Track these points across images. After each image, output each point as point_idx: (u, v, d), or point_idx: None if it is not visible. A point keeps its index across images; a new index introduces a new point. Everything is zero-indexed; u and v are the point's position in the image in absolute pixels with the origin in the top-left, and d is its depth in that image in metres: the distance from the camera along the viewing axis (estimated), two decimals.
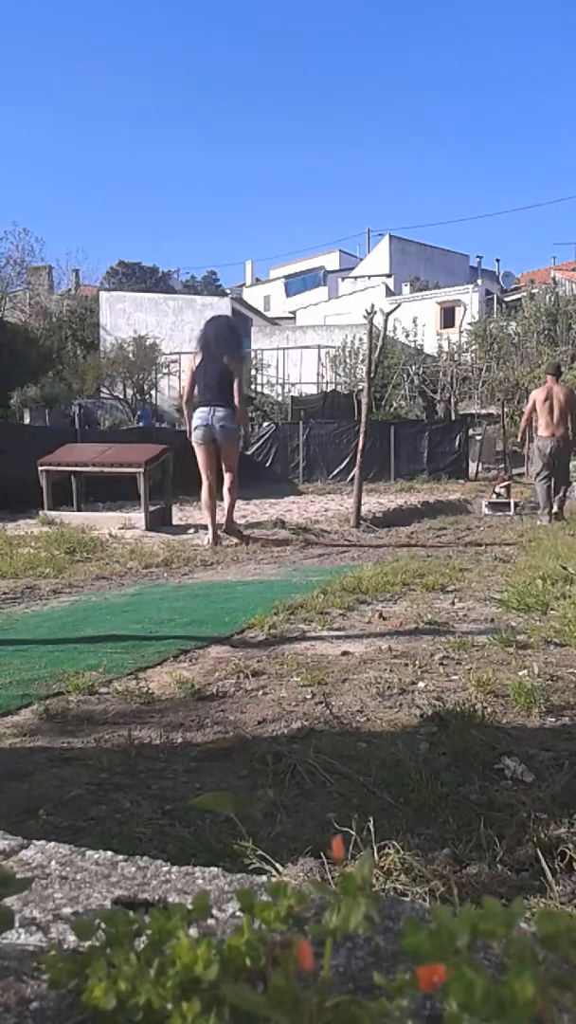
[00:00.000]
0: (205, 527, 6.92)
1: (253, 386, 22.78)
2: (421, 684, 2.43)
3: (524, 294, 24.36)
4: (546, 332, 19.84)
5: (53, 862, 0.93)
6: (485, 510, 10.32)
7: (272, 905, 0.61)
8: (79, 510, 8.48)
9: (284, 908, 0.61)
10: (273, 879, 1.13)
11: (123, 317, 26.27)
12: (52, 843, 0.99)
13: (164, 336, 24.11)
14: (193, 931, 0.62)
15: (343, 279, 37.02)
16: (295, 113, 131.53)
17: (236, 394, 6.55)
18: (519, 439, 9.09)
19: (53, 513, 7.95)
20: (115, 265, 47.05)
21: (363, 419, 8.89)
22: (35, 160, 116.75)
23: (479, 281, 31.43)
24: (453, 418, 19.33)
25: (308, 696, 2.34)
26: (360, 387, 15.95)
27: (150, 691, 2.41)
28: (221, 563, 5.72)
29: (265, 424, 17.93)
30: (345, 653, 2.87)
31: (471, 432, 17.45)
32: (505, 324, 21.80)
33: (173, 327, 25.85)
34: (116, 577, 5.08)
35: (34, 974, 0.67)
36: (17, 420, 18.44)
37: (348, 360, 22.70)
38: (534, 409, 8.74)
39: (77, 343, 26.91)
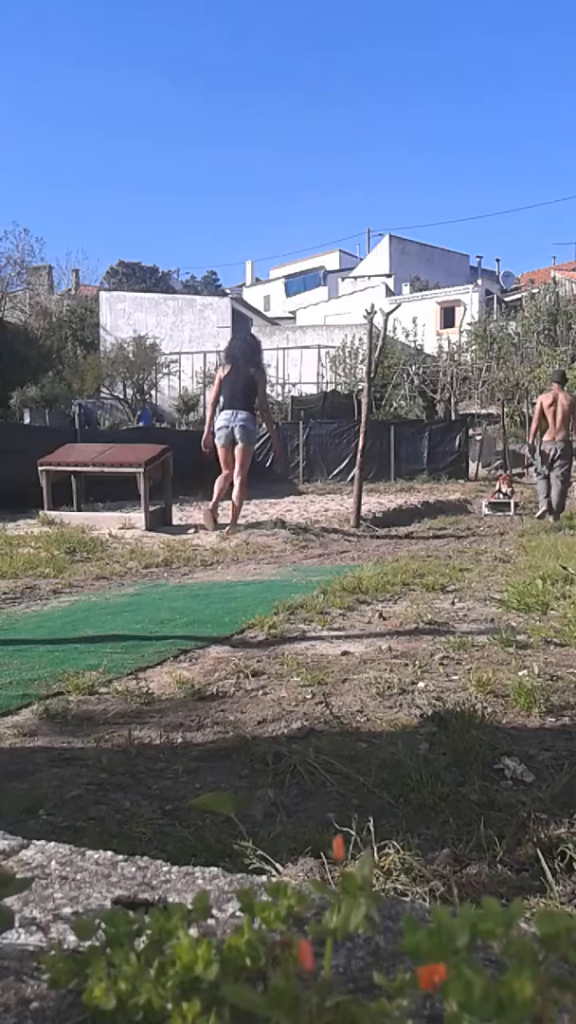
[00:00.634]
0: (205, 527, 7.24)
1: None
2: (421, 684, 2.43)
3: (524, 294, 24.41)
4: (546, 332, 19.85)
5: (53, 862, 0.93)
6: (485, 510, 10.34)
7: (272, 905, 0.61)
8: (79, 510, 8.48)
9: (284, 908, 0.61)
10: (273, 879, 1.12)
11: (123, 317, 26.27)
12: (52, 843, 0.99)
13: (164, 336, 24.14)
14: (193, 931, 0.62)
15: (343, 279, 37.00)
16: (295, 113, 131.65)
17: (261, 401, 7.45)
18: (529, 442, 9.64)
19: (53, 513, 7.94)
20: (115, 265, 46.99)
21: (363, 419, 8.90)
22: (35, 160, 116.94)
23: (479, 281, 31.45)
24: (453, 418, 19.29)
25: (308, 696, 2.34)
26: (360, 387, 15.93)
27: (150, 691, 2.41)
28: (221, 563, 5.72)
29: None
30: (345, 653, 2.87)
31: (471, 432, 17.44)
32: (505, 324, 21.83)
33: (173, 327, 25.87)
34: (116, 577, 5.08)
35: (34, 974, 0.67)
36: (17, 420, 18.44)
37: (348, 360, 22.68)
38: (541, 415, 9.26)
39: (77, 343, 26.93)
